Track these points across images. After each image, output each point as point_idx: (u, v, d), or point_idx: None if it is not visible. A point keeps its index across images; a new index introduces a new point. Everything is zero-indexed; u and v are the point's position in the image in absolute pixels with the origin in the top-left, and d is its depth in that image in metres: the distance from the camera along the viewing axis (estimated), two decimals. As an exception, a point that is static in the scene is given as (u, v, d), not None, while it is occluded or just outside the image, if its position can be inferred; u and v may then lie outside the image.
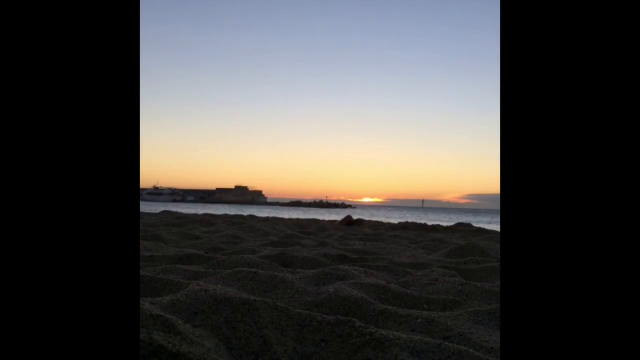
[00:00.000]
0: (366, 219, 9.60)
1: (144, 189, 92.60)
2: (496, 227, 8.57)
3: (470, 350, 1.05)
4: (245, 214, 10.77)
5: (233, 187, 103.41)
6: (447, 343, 1.07)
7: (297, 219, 8.99)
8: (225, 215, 8.99)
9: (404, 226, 7.37)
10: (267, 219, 8.60)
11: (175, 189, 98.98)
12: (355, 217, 8.82)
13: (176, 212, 9.47)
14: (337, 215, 16.85)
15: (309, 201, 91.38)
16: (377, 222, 8.70)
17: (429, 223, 8.39)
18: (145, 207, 18.75)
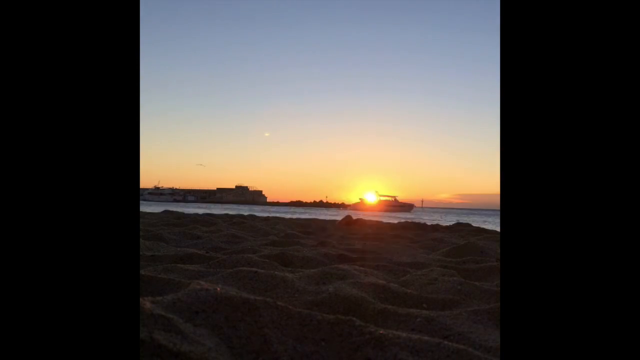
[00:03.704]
0: (366, 219, 9.60)
1: (144, 189, 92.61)
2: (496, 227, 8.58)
3: (469, 349, 1.06)
4: (245, 213, 10.78)
5: (234, 187, 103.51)
6: (446, 342, 1.08)
7: (298, 219, 8.99)
8: (226, 215, 8.99)
9: (404, 226, 7.37)
10: (267, 218, 8.61)
11: (176, 189, 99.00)
12: (355, 217, 8.82)
13: (177, 212, 9.48)
14: (337, 215, 16.84)
15: (309, 202, 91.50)
16: (376, 222, 8.70)
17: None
18: (146, 207, 18.75)
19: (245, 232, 4.82)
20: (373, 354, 1.03)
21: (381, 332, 1.10)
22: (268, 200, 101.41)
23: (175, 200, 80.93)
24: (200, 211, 12.22)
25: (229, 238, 4.05)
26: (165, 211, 9.85)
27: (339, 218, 7.86)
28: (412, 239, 4.72)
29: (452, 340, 1.22)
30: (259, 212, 16.13)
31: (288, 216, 11.84)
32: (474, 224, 7.95)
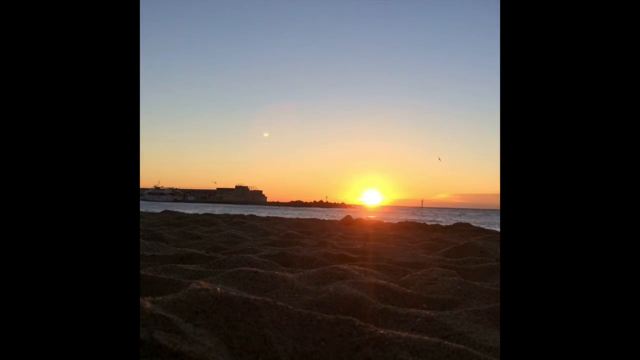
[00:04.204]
0: (366, 218, 9.61)
1: (145, 189, 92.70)
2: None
3: (469, 349, 1.06)
4: (246, 213, 10.78)
5: (234, 187, 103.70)
6: (446, 342, 1.08)
7: (298, 219, 8.99)
8: (226, 215, 8.99)
9: (404, 226, 7.37)
10: (267, 218, 8.61)
11: (176, 189, 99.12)
12: (355, 217, 8.82)
13: (177, 212, 9.48)
14: (337, 215, 16.86)
15: (309, 202, 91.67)
16: (377, 221, 8.70)
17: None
18: (146, 207, 18.74)
19: (245, 232, 4.82)
20: (373, 354, 1.03)
21: (381, 332, 1.10)
22: (268, 200, 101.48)
23: (176, 200, 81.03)
24: (201, 211, 12.22)
25: (229, 238, 4.05)
26: (165, 211, 9.85)
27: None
28: (412, 239, 4.72)
29: (452, 340, 1.22)
30: (259, 212, 16.14)
31: (288, 216, 11.85)
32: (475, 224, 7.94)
